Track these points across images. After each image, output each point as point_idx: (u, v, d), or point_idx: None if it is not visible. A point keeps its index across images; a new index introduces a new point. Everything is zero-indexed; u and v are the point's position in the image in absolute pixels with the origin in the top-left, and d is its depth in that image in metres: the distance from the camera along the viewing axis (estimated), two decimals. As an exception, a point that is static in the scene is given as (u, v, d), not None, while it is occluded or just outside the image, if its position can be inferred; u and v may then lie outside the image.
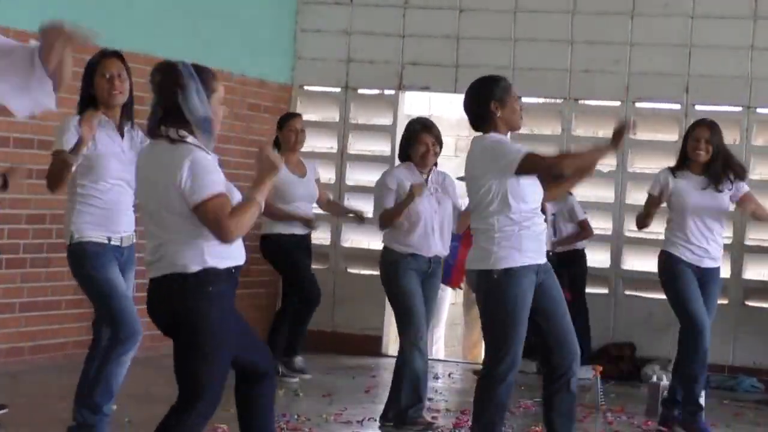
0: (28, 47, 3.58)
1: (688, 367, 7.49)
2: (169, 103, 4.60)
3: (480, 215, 5.81)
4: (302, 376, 8.98)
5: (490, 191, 5.75)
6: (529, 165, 5.68)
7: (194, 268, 4.59)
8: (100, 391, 5.92)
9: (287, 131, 8.98)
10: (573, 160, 5.80)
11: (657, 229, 7.95)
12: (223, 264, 4.62)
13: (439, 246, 7.30)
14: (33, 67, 3.53)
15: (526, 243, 5.73)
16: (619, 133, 5.85)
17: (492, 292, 5.73)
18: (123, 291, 5.97)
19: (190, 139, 4.61)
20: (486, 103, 5.83)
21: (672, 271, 7.50)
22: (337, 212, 9.85)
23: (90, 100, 6.07)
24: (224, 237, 4.54)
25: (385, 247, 7.38)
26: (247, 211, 4.56)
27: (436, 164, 7.45)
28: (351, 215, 9.34)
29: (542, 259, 5.83)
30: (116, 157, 6.01)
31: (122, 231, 6.03)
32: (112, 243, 5.97)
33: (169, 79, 4.61)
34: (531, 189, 5.80)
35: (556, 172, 5.75)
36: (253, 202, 4.58)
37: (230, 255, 4.66)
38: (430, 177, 7.38)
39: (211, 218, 4.52)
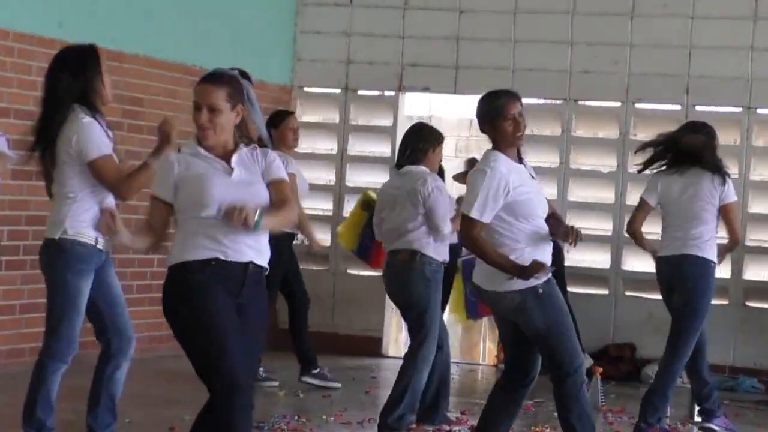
0: None
1: (701, 366, 7.59)
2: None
3: (501, 232, 5.70)
4: (331, 384, 8.88)
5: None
6: (462, 223, 5.68)
7: (171, 261, 4.74)
8: (40, 406, 5.87)
9: (286, 130, 8.84)
10: (488, 258, 5.64)
11: (656, 229, 7.93)
12: (196, 256, 4.68)
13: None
14: None
15: (546, 255, 5.73)
16: (536, 268, 5.71)
17: (545, 305, 5.68)
18: (83, 307, 5.84)
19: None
20: (481, 124, 5.83)
21: (712, 283, 7.45)
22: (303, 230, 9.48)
23: (83, 96, 5.86)
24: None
25: (423, 255, 7.16)
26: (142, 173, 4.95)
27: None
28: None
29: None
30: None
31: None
32: (98, 246, 5.86)
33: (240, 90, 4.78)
34: (534, 208, 5.75)
35: (464, 244, 5.81)
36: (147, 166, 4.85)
37: (200, 247, 4.71)
38: None
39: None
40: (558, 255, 9.91)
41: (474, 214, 5.60)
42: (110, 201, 5.88)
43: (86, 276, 5.82)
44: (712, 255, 7.41)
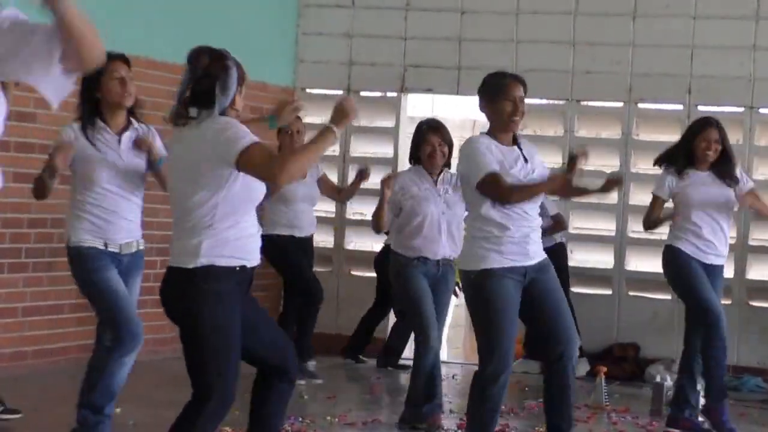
0: (46, 28, 3.50)
1: (712, 356, 7.52)
2: (207, 87, 4.68)
3: (469, 216, 5.85)
4: (313, 381, 8.93)
5: (474, 194, 5.74)
6: (485, 189, 5.67)
7: (192, 264, 4.59)
8: (101, 391, 5.91)
9: (284, 134, 8.92)
10: (522, 194, 5.69)
11: (661, 229, 7.93)
12: (221, 263, 4.60)
13: (447, 249, 7.27)
14: (52, 50, 3.46)
15: (508, 245, 5.69)
16: (573, 160, 5.77)
17: (473, 293, 5.75)
18: (122, 292, 5.94)
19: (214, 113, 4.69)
20: (480, 101, 5.82)
21: (679, 264, 7.52)
22: (350, 193, 9.57)
23: (94, 103, 6.02)
24: (275, 177, 4.50)
25: (392, 252, 7.39)
26: (299, 152, 4.65)
27: (449, 166, 7.39)
28: (357, 181, 9.16)
29: (529, 261, 5.75)
30: (108, 164, 5.95)
31: (120, 239, 5.96)
32: (109, 249, 5.93)
33: (218, 63, 4.72)
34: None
35: (506, 203, 5.71)
36: (307, 146, 4.69)
37: (237, 255, 4.64)
38: (440, 178, 7.35)
39: (258, 160, 4.50)
40: (563, 251, 9.95)
41: (488, 168, 5.63)
42: (111, 205, 5.95)
43: (106, 269, 5.92)
44: (675, 241, 7.58)
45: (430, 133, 7.29)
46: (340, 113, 4.66)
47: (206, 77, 4.68)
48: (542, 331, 5.81)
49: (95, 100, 6.01)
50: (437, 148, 7.27)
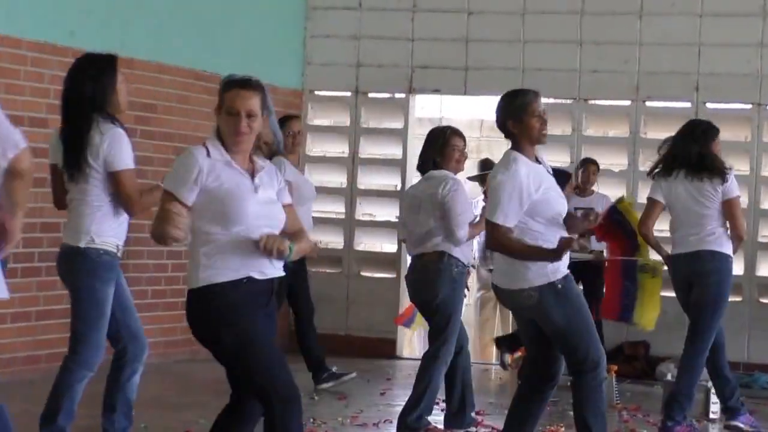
0: None
1: (722, 364, 7.64)
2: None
3: (520, 230, 5.73)
4: (348, 377, 8.92)
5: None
6: (491, 230, 5.69)
7: (194, 284, 4.62)
8: (63, 413, 5.84)
9: (285, 135, 8.77)
10: (518, 254, 5.69)
11: (662, 228, 7.95)
12: (227, 277, 4.60)
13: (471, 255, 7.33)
14: None
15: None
16: (566, 244, 5.74)
17: (563, 302, 5.70)
18: (109, 314, 5.85)
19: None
20: (503, 120, 5.82)
21: (729, 278, 7.49)
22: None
23: (97, 105, 5.84)
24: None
25: (450, 257, 7.19)
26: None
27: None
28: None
29: (566, 270, 5.84)
30: None
31: (123, 240, 5.94)
32: (118, 253, 5.89)
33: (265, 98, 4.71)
34: (553, 207, 5.77)
35: (492, 248, 5.81)
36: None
37: (234, 268, 4.63)
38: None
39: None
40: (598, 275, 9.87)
41: (498, 220, 5.63)
42: (119, 213, 5.89)
43: (111, 283, 5.86)
44: (728, 249, 7.45)
45: (456, 137, 7.26)
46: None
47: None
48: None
49: (101, 101, 5.86)
50: (463, 152, 7.27)
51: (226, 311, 4.58)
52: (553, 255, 5.58)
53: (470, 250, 7.22)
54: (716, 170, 7.43)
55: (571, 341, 5.74)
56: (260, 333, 4.62)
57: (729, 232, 7.46)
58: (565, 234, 5.73)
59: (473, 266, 7.54)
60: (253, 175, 4.69)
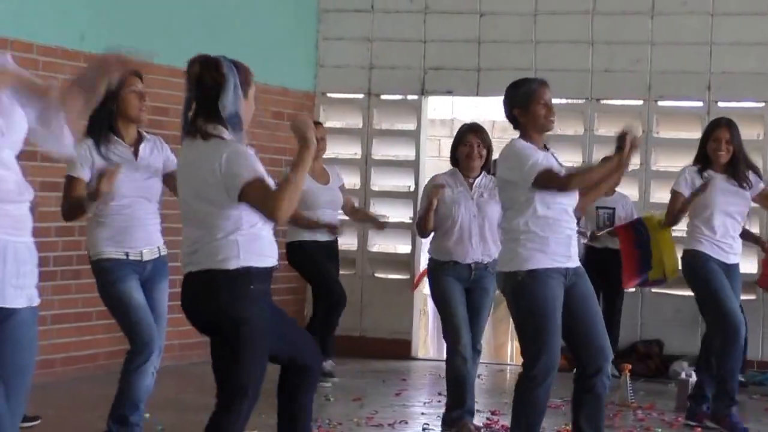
0: (49, 100, 3.50)
1: (726, 364, 7.49)
2: (207, 97, 4.64)
3: (508, 216, 5.84)
4: (330, 379, 9.00)
5: (517, 193, 5.78)
6: (543, 182, 5.70)
7: (232, 265, 4.63)
8: (125, 402, 5.95)
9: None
10: (581, 177, 5.77)
11: (681, 226, 7.97)
12: (261, 263, 4.67)
13: (478, 253, 7.23)
14: (57, 114, 3.48)
15: (553, 246, 5.74)
16: (622, 139, 5.81)
17: (519, 294, 5.74)
18: (138, 303, 5.94)
19: (225, 134, 4.64)
20: (510, 109, 5.86)
21: (702, 269, 7.51)
22: (362, 218, 9.75)
23: (107, 116, 5.96)
24: (273, 214, 4.54)
25: (429, 256, 7.43)
26: (284, 190, 4.52)
27: (488, 170, 7.33)
28: (373, 222, 9.30)
29: (572, 263, 5.81)
30: (126, 176, 5.92)
31: (142, 246, 5.98)
32: (131, 258, 5.94)
33: (209, 71, 4.66)
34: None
35: (566, 190, 5.75)
36: (287, 180, 4.54)
37: (268, 254, 4.72)
38: (476, 182, 7.29)
39: (259, 196, 4.53)
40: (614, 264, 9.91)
41: (538, 169, 5.67)
42: (136, 215, 6.00)
43: (126, 280, 5.94)
44: (695, 245, 7.56)
45: (470, 133, 7.28)
46: (298, 131, 4.60)
47: (203, 87, 4.65)
48: (579, 339, 5.84)
49: (109, 112, 5.96)
50: (475, 149, 7.24)
51: (259, 299, 4.69)
52: (618, 158, 5.73)
53: (446, 245, 7.21)
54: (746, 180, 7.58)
55: (522, 337, 5.83)
56: (269, 328, 4.74)
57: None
58: (574, 224, 5.81)
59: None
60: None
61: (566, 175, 5.73)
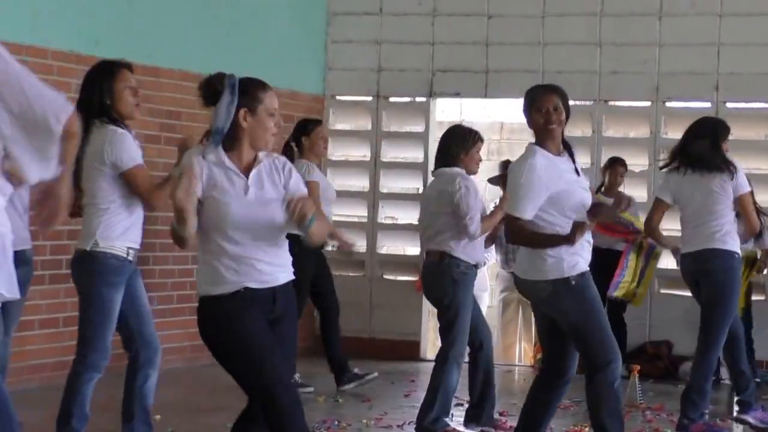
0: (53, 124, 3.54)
1: (738, 356, 7.68)
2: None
3: (540, 224, 5.79)
4: (370, 377, 8.98)
5: (547, 203, 5.80)
6: (509, 225, 5.81)
7: (201, 292, 4.75)
8: (76, 417, 5.90)
9: (317, 138, 8.88)
10: (537, 244, 5.77)
11: (675, 225, 7.98)
12: (224, 290, 4.69)
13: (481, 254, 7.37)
14: (52, 135, 3.51)
15: (583, 251, 5.81)
16: (579, 229, 5.81)
17: (577, 298, 5.76)
18: (115, 318, 5.89)
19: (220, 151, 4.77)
20: (526, 116, 5.93)
21: (737, 272, 7.49)
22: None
23: (101, 110, 5.86)
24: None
25: (452, 258, 7.28)
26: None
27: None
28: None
29: (587, 267, 5.91)
30: None
31: (137, 244, 5.96)
32: (129, 257, 5.88)
33: (207, 88, 4.73)
34: (575, 199, 5.82)
35: (507, 239, 5.94)
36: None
37: (229, 282, 4.71)
38: None
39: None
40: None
41: (516, 213, 5.73)
42: (139, 212, 5.93)
43: (119, 288, 5.87)
44: (734, 246, 7.44)
45: (481, 142, 7.36)
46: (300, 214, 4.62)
47: (205, 102, 4.76)
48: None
49: (104, 106, 5.87)
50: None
51: (221, 320, 4.69)
52: (568, 240, 5.66)
53: (476, 249, 7.21)
54: (724, 166, 7.45)
55: (583, 338, 5.81)
56: (253, 338, 4.68)
57: (738, 228, 7.49)
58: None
59: (484, 264, 7.59)
60: (247, 175, 4.74)
61: (518, 234, 5.75)
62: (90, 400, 5.97)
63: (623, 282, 9.50)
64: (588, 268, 5.84)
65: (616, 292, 9.50)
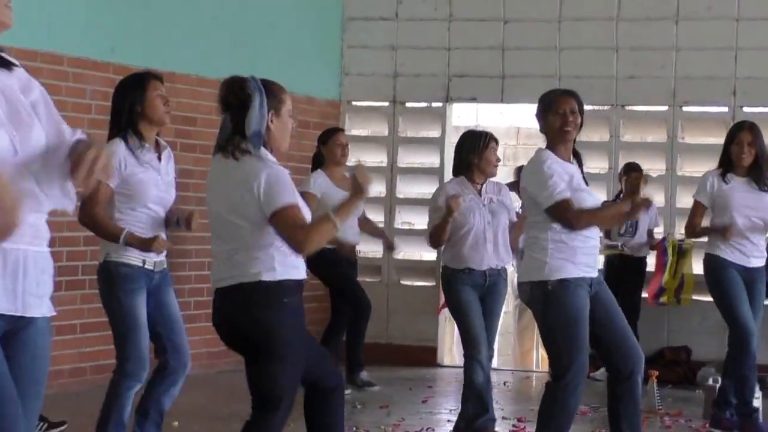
0: (65, 146, 3.50)
1: (738, 370, 7.55)
2: (236, 116, 4.71)
3: (535, 226, 5.84)
4: (369, 389, 9.03)
5: (542, 207, 5.80)
6: (554, 215, 5.74)
7: (267, 277, 4.67)
8: (113, 423, 5.87)
9: (334, 145, 9.01)
10: (590, 219, 5.76)
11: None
12: (294, 275, 4.72)
13: (493, 258, 7.29)
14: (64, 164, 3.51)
15: (581, 256, 5.76)
16: (637, 207, 5.84)
17: (549, 303, 5.74)
18: (143, 323, 5.88)
19: (262, 153, 4.71)
20: (539, 122, 5.91)
21: (718, 273, 7.56)
22: (369, 231, 9.59)
23: (132, 117, 5.89)
24: (297, 247, 4.62)
25: (442, 264, 7.44)
26: (320, 227, 4.64)
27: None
28: (383, 240, 9.53)
29: (595, 273, 5.86)
30: (155, 182, 5.91)
31: (156, 256, 5.92)
32: (146, 267, 5.88)
33: (233, 92, 4.72)
34: (584, 205, 5.80)
35: (574, 229, 5.77)
36: (327, 219, 4.64)
37: (299, 266, 4.76)
38: (483, 188, 7.35)
39: (288, 225, 4.60)
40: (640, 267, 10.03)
41: (558, 197, 5.70)
42: (143, 228, 5.90)
43: (137, 294, 5.86)
44: (714, 249, 7.63)
45: (494, 142, 7.37)
46: (358, 180, 4.71)
47: (230, 108, 4.73)
48: (609, 346, 5.85)
49: (135, 114, 5.89)
50: (495, 156, 7.37)
51: (290, 313, 4.74)
52: (624, 210, 5.80)
53: (461, 252, 7.25)
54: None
55: (547, 344, 5.87)
56: (302, 341, 4.79)
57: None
58: (596, 232, 5.84)
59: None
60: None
61: (576, 214, 5.71)
62: (129, 409, 5.94)
63: (665, 285, 9.50)
64: (584, 275, 5.76)
65: (662, 297, 9.56)
